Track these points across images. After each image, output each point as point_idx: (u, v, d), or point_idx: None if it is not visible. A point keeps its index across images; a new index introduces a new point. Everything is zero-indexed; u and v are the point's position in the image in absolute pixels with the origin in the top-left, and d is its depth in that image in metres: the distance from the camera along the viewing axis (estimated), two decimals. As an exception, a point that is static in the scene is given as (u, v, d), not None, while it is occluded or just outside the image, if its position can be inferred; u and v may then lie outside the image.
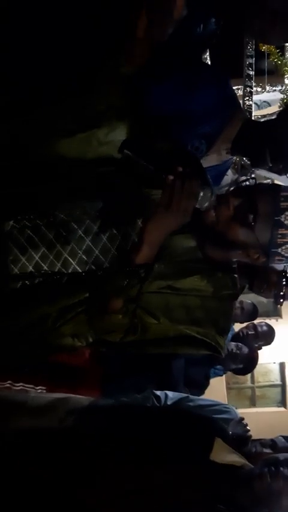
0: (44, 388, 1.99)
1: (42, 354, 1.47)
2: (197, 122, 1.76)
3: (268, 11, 1.48)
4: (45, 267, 1.38)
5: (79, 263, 1.39)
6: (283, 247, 1.32)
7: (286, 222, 1.29)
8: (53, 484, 1.48)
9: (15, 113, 1.44)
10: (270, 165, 1.81)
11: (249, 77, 3.60)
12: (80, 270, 1.39)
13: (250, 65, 3.56)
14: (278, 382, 8.38)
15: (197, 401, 2.37)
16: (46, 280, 1.38)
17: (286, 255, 1.34)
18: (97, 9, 1.43)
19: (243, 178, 1.73)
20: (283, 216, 1.29)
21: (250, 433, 2.27)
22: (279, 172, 1.90)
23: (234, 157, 1.96)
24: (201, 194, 1.29)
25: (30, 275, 1.38)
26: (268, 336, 3.28)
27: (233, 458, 1.62)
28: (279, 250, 1.33)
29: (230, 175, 4.66)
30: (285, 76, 5.09)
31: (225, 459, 1.59)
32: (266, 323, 3.36)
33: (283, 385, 8.38)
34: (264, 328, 3.25)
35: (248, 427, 2.27)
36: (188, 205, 1.29)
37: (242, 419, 2.31)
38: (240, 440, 2.17)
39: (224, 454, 1.60)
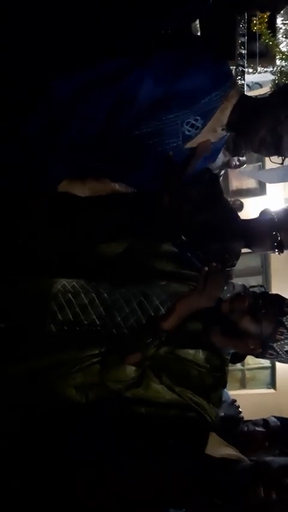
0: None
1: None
2: (192, 99, 1.73)
3: None
4: (75, 323, 1.68)
5: (102, 325, 1.69)
6: (278, 343, 1.66)
7: (286, 323, 1.64)
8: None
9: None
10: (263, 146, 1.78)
11: (242, 56, 3.54)
12: (98, 322, 1.69)
13: (242, 43, 3.50)
14: (268, 364, 8.44)
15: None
16: (70, 330, 1.68)
17: (278, 350, 1.67)
18: None
19: (254, 284, 1.92)
20: (285, 318, 1.64)
21: (242, 414, 2.28)
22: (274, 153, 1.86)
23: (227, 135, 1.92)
24: (225, 288, 1.71)
25: (61, 328, 1.67)
26: None
27: (227, 451, 1.63)
28: (275, 345, 1.66)
29: (221, 158, 4.62)
30: (277, 57, 5.04)
31: (220, 452, 1.61)
32: None
33: (272, 368, 8.45)
34: None
35: (240, 409, 2.28)
36: (216, 294, 1.66)
37: (234, 401, 2.31)
38: (233, 421, 2.18)
39: (219, 448, 1.63)
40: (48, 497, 1.48)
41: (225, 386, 1.81)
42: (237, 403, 2.34)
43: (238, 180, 7.91)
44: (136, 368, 1.58)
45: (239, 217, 2.11)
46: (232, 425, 2.14)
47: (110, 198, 1.87)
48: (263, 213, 2.09)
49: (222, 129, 1.81)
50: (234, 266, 2.15)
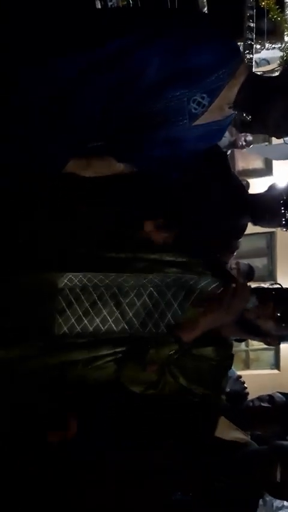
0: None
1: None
2: (198, 77, 1.69)
3: None
4: (85, 321, 1.65)
5: (115, 322, 1.66)
6: None
7: None
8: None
9: None
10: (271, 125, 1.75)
11: (250, 29, 3.44)
12: (115, 328, 1.66)
13: (251, 16, 3.40)
14: (272, 345, 8.49)
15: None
16: (84, 333, 1.64)
17: None
18: None
19: (271, 284, 1.89)
20: None
21: (247, 390, 2.31)
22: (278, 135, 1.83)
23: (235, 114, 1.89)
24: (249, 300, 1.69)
25: (72, 326, 1.64)
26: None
27: (236, 435, 1.67)
28: None
29: (227, 137, 4.57)
30: (285, 33, 4.92)
31: (229, 436, 1.65)
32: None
33: (276, 348, 8.47)
34: None
35: (245, 385, 2.31)
36: (240, 308, 1.67)
37: (240, 377, 2.34)
38: (238, 396, 2.21)
39: (228, 431, 1.66)
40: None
41: (230, 367, 1.83)
42: (242, 379, 2.37)
43: (244, 160, 7.83)
44: (155, 374, 1.60)
45: (247, 192, 2.10)
46: (237, 400, 2.17)
47: (111, 187, 1.83)
48: (271, 188, 2.07)
49: (230, 108, 1.78)
50: (237, 248, 2.15)
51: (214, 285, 1.74)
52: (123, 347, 1.63)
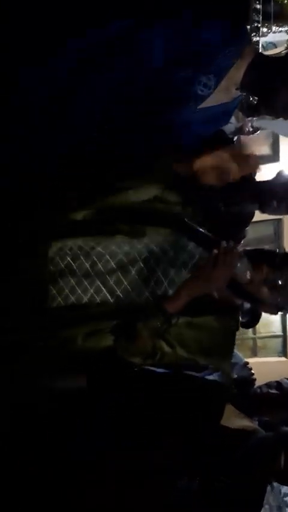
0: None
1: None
2: (205, 57, 1.67)
3: None
4: (79, 291, 1.58)
5: (109, 292, 1.59)
6: None
7: None
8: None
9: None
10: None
11: (257, 11, 3.37)
12: (110, 298, 1.59)
13: (257, -4, 3.32)
14: (279, 332, 8.48)
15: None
16: (78, 304, 1.59)
17: None
18: None
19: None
20: None
21: (254, 376, 2.29)
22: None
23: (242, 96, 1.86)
24: (239, 264, 1.53)
25: (66, 297, 1.58)
26: None
27: (244, 423, 1.63)
28: None
29: (233, 123, 4.51)
30: (292, 16, 4.84)
31: (236, 424, 1.60)
32: None
33: (284, 336, 8.48)
34: None
35: (252, 371, 2.30)
36: (226, 275, 1.52)
37: (247, 363, 2.33)
38: (246, 383, 2.20)
39: (235, 419, 1.62)
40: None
41: (237, 329, 1.77)
42: (249, 365, 2.36)
43: (251, 147, 7.76)
44: (148, 346, 1.55)
45: (254, 178, 2.07)
46: (245, 387, 2.16)
47: None
48: (279, 174, 2.04)
49: (237, 89, 1.75)
50: (244, 237, 2.12)
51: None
52: (119, 318, 1.56)
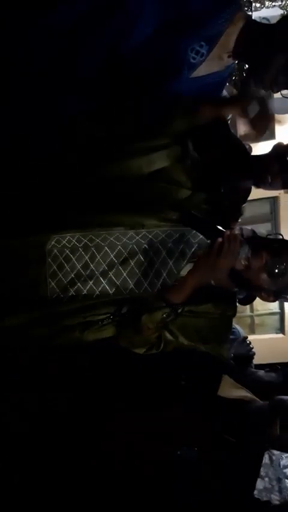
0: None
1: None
2: (196, 24, 1.64)
3: None
4: (78, 283, 1.60)
5: (109, 283, 1.60)
6: None
7: None
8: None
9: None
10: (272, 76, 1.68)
11: (248, -17, 3.30)
12: (109, 290, 1.60)
13: None
14: (277, 310, 8.51)
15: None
16: (77, 296, 1.60)
17: None
18: None
19: (273, 237, 1.73)
20: None
21: (253, 351, 2.29)
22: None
23: (235, 65, 1.82)
24: (240, 251, 1.54)
25: (65, 289, 1.59)
26: None
27: (241, 393, 1.67)
28: None
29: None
30: (286, -11, 4.76)
31: (233, 394, 1.65)
32: None
33: (281, 313, 8.51)
34: None
35: (251, 346, 2.29)
36: (230, 263, 1.54)
37: (246, 338, 2.32)
38: (244, 359, 2.19)
39: (232, 390, 1.66)
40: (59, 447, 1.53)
41: (234, 315, 1.77)
42: (248, 340, 2.35)
43: (246, 124, 7.69)
44: (152, 336, 1.57)
45: (249, 153, 2.04)
46: (244, 363, 2.15)
47: None
48: (274, 149, 2.01)
49: (229, 57, 1.72)
50: (242, 214, 2.10)
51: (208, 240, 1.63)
52: (119, 310, 1.59)
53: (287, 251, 1.60)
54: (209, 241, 1.58)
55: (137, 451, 1.50)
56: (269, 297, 1.65)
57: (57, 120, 1.66)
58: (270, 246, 1.60)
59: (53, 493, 1.51)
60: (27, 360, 1.63)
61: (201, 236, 1.63)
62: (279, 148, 1.93)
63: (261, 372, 2.11)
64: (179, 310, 1.56)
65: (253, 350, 2.26)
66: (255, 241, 1.63)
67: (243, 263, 1.57)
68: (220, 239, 1.52)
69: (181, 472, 1.44)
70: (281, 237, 1.73)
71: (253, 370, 2.16)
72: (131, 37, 1.61)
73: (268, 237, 1.71)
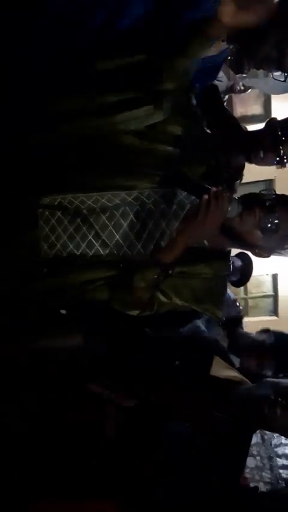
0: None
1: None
2: (187, 6, 1.61)
3: None
4: (71, 246, 1.59)
5: (102, 245, 1.59)
6: (286, 250, 1.64)
7: None
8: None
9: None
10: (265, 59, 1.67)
11: None
12: (102, 252, 1.60)
13: None
14: (270, 292, 8.57)
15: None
16: (72, 258, 1.60)
17: (283, 252, 1.66)
18: None
19: (266, 193, 1.65)
20: None
21: (242, 313, 2.34)
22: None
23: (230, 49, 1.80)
24: (230, 208, 1.51)
25: (58, 252, 1.59)
26: None
27: (231, 373, 1.72)
28: (282, 251, 1.64)
29: (224, 82, 4.41)
30: None
31: (224, 374, 1.70)
32: None
33: (275, 296, 8.57)
34: None
35: (240, 308, 2.33)
36: (219, 220, 1.51)
37: (235, 300, 2.35)
38: (234, 320, 2.23)
39: (223, 370, 1.71)
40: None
41: (228, 275, 1.77)
42: (237, 303, 2.39)
43: (243, 106, 7.64)
44: (144, 297, 1.57)
45: (241, 128, 2.03)
46: (234, 324, 2.19)
47: None
48: (267, 124, 2.00)
49: (223, 41, 1.70)
50: (237, 180, 2.08)
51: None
52: (113, 271, 1.58)
53: (279, 207, 1.59)
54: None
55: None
56: (263, 254, 1.65)
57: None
58: (263, 202, 1.58)
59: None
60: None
61: (193, 197, 1.60)
62: (272, 123, 1.92)
63: (253, 334, 2.15)
64: (170, 271, 1.55)
65: (242, 312, 2.30)
66: (248, 198, 1.62)
67: (236, 220, 1.56)
68: (206, 196, 1.49)
69: (172, 445, 1.48)
70: (274, 194, 1.68)
71: (244, 331, 2.21)
72: (120, 23, 1.59)
73: (261, 192, 1.67)
